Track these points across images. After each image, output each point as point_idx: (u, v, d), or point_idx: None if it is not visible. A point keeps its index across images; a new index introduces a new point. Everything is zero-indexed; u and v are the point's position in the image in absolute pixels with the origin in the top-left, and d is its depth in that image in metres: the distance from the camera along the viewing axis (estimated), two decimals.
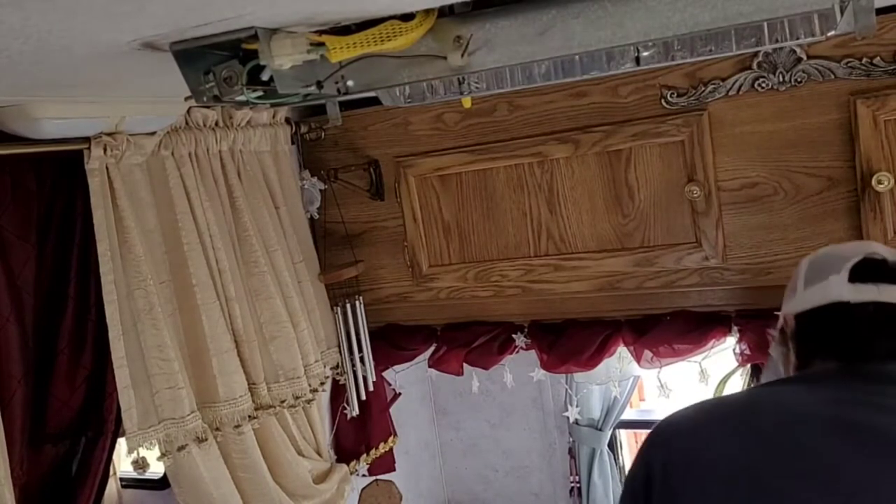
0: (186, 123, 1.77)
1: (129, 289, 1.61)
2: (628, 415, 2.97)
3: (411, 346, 2.29)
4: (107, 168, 1.56)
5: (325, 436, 2.25)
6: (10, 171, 1.47)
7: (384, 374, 2.42)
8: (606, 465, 2.92)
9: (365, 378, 2.26)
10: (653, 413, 3.02)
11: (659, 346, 1.94)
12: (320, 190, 2.22)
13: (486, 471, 3.19)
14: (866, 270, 1.15)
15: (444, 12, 0.86)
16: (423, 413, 3.14)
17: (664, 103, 1.81)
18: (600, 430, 2.86)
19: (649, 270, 1.90)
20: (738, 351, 1.88)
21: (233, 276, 1.84)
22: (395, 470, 2.61)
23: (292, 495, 2.00)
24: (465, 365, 2.23)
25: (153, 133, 1.65)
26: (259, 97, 0.93)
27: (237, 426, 1.81)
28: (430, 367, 2.29)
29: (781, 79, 1.71)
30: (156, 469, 2.01)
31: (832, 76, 1.66)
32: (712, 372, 2.01)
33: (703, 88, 1.77)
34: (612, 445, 2.98)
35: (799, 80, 1.69)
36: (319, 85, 0.89)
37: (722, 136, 1.78)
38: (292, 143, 2.19)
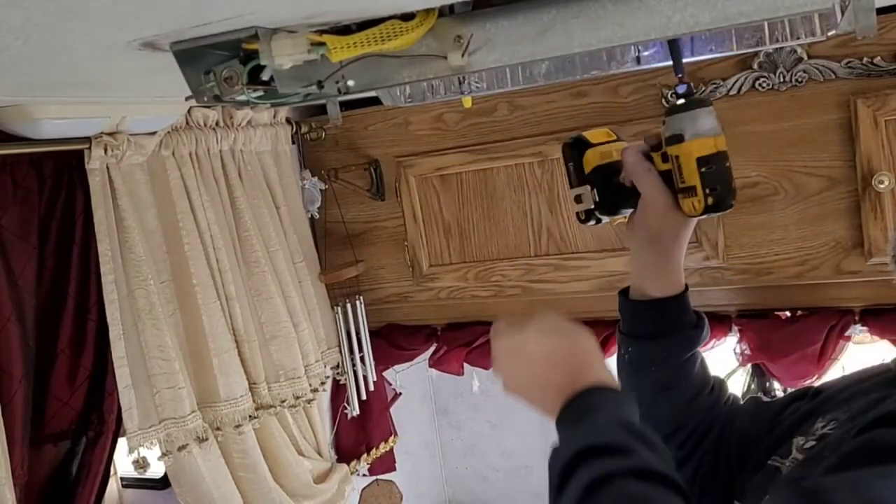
0: (187, 123, 1.77)
1: (129, 289, 1.61)
2: None
3: (411, 346, 2.28)
4: (107, 168, 1.57)
5: (325, 436, 2.25)
6: (11, 171, 1.47)
7: (384, 373, 2.42)
8: None
9: (365, 378, 2.26)
10: None
11: None
12: (321, 190, 2.22)
13: (486, 471, 3.19)
14: None
15: (445, 12, 0.86)
16: (423, 413, 3.14)
17: (665, 103, 1.81)
18: None
19: None
20: (738, 351, 1.88)
21: (233, 275, 1.84)
22: (395, 470, 2.61)
23: (293, 495, 2.00)
24: (465, 365, 2.23)
25: (154, 133, 1.65)
26: (259, 97, 0.93)
27: (238, 426, 1.81)
28: (430, 366, 2.28)
29: (782, 79, 1.70)
30: (156, 469, 2.01)
31: (833, 76, 1.66)
32: (712, 371, 2.00)
33: (703, 88, 1.77)
34: None
35: (799, 80, 1.69)
36: (320, 85, 0.89)
37: None
38: (293, 142, 2.19)
